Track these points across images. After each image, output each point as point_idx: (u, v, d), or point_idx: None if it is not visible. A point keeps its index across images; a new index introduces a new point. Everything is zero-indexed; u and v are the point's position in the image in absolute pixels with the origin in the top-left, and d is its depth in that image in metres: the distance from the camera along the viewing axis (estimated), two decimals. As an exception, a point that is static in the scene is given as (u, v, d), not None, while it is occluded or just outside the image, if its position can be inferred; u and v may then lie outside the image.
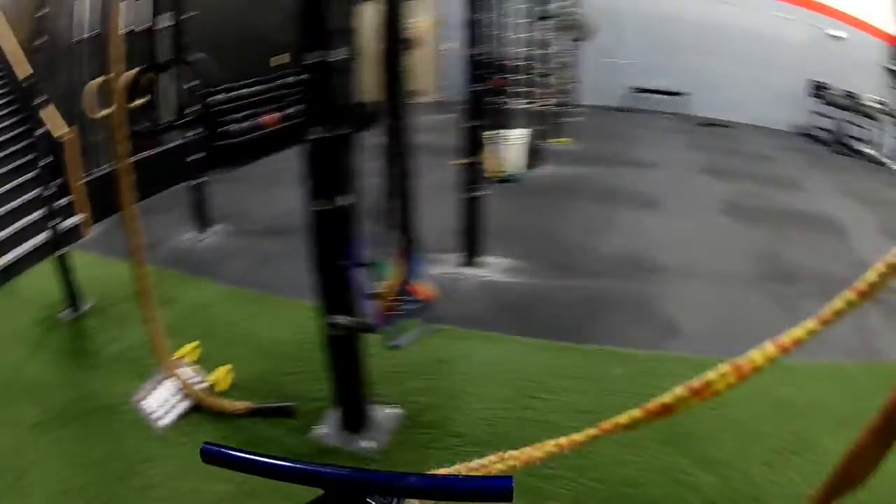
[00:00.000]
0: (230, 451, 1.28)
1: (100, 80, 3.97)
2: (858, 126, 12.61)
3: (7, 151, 5.78)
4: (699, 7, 13.62)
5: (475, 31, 5.16)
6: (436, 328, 3.77)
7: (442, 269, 5.20)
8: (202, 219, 5.87)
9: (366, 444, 3.12)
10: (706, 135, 12.46)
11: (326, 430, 3.17)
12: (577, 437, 2.16)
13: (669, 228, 6.89)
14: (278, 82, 8.00)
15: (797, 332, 1.97)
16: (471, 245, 5.40)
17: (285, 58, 7.94)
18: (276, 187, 6.70)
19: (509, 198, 7.19)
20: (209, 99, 6.98)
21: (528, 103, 9.33)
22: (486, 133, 5.71)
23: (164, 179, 6.45)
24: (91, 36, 6.30)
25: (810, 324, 1.94)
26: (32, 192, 5.26)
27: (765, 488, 3.13)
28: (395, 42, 3.55)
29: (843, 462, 2.39)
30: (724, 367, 2.00)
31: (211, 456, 1.29)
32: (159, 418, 3.17)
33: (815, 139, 13.22)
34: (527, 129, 8.32)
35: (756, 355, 2.00)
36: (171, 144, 6.48)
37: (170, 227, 5.74)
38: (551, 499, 2.96)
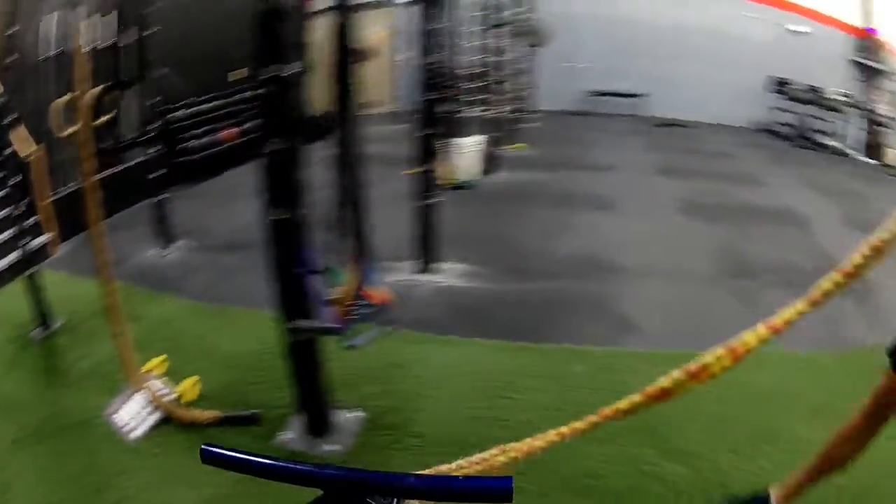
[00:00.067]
0: (230, 453, 1.29)
1: (66, 98, 4.03)
2: (822, 120, 12.64)
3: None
4: (657, 8, 13.63)
5: (429, 40, 5.29)
6: (391, 331, 3.92)
7: (397, 276, 5.30)
8: (165, 235, 5.96)
9: (330, 447, 3.26)
10: (664, 136, 12.50)
11: (291, 435, 3.32)
12: (578, 424, 2.22)
13: (626, 229, 7.00)
14: (237, 97, 8.07)
15: (787, 313, 2.05)
16: (426, 252, 5.53)
17: (244, 72, 8.01)
18: (236, 202, 6.79)
19: (465, 205, 7.28)
20: (170, 115, 7.08)
21: (482, 111, 9.40)
22: (440, 141, 5.86)
23: (127, 197, 6.53)
24: (57, 54, 6.36)
25: (799, 305, 2.03)
26: (1, 213, 5.31)
27: (733, 475, 3.19)
28: (346, 54, 3.71)
29: (830, 445, 2.63)
30: (720, 350, 2.07)
31: (211, 457, 1.30)
32: (131, 431, 3.28)
33: (777, 135, 13.26)
34: (482, 137, 8.41)
35: (749, 337, 2.06)
36: (134, 162, 6.55)
37: (134, 244, 5.83)
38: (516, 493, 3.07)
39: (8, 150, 4.75)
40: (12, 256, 4.45)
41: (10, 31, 6.27)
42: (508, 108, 10.03)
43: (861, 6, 12.76)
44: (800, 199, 8.39)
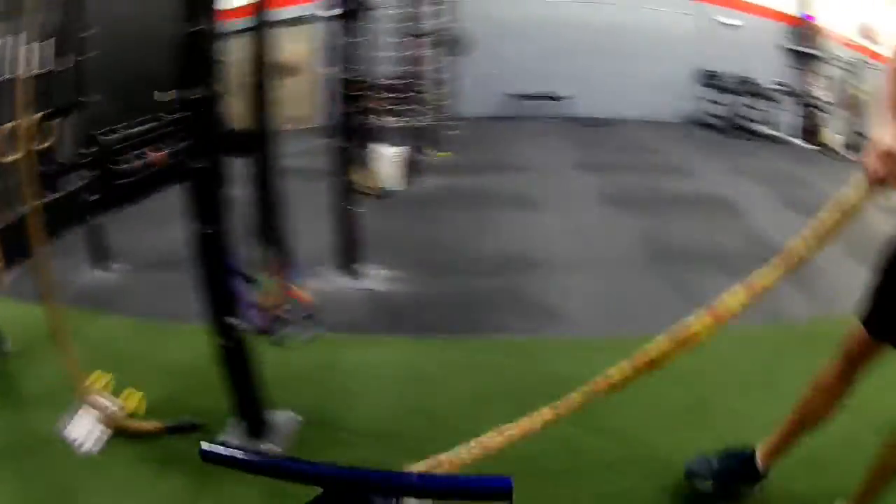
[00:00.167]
0: (231, 452, 1.34)
1: (8, 125, 4.18)
2: (754, 108, 12.93)
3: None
4: (580, 9, 13.77)
5: (347, 53, 5.56)
6: (318, 334, 4.14)
7: (323, 283, 5.51)
8: (103, 257, 6.14)
9: (267, 447, 3.50)
10: (589, 134, 12.70)
11: (231, 438, 3.54)
12: (575, 396, 2.31)
13: (550, 225, 7.29)
14: (165, 119, 8.22)
15: (764, 274, 2.12)
16: (351, 258, 5.79)
17: (172, 94, 8.12)
18: (169, 221, 6.77)
19: (388, 212, 7.55)
20: (103, 139, 7.22)
21: (404, 120, 9.74)
22: (361, 151, 6.09)
23: (65, 222, 6.65)
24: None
25: (775, 268, 2.11)
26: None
27: (663, 449, 3.35)
28: (263, 71, 3.95)
29: (802, 403, 2.75)
30: (703, 315, 2.14)
31: (211, 457, 1.33)
32: (84, 447, 3.50)
33: (708, 126, 13.47)
34: (403, 145, 8.66)
35: (728, 298, 2.14)
36: (71, 187, 6.67)
37: (73, 268, 5.97)
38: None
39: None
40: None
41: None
42: (430, 116, 10.23)
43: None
44: (731, 186, 8.70)
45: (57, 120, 4.59)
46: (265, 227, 4.39)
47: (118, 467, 3.41)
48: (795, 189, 8.52)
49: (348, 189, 5.72)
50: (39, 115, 3.95)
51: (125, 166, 7.60)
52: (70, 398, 3.71)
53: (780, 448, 2.88)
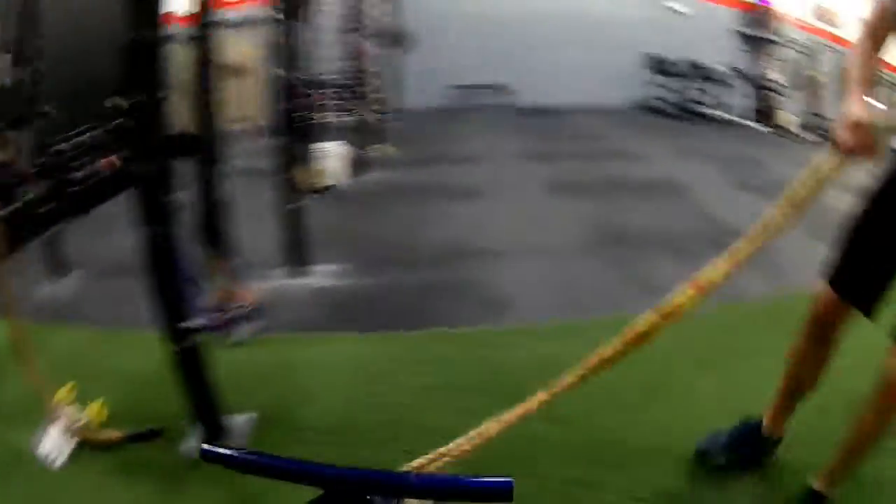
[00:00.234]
0: (230, 453, 1.37)
1: None
2: (705, 92, 13.21)
3: None
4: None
5: (290, 51, 5.70)
6: (267, 333, 4.23)
7: (270, 282, 5.61)
8: (60, 267, 6.22)
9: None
10: (536, 124, 12.77)
11: (193, 442, 3.66)
12: (570, 377, 2.30)
13: (496, 214, 7.45)
14: (115, 125, 8.22)
15: (745, 244, 2.19)
16: (297, 256, 5.92)
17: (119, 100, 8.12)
18: (121, 227, 6.85)
19: (334, 208, 7.65)
20: (56, 148, 7.23)
21: (349, 115, 9.86)
22: (304, 148, 6.19)
23: (22, 234, 6.66)
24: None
25: (754, 238, 2.18)
26: None
27: (619, 432, 3.41)
28: (207, 72, 4.04)
29: (788, 372, 2.83)
30: (686, 288, 2.18)
31: (212, 457, 1.35)
32: (54, 460, 3.60)
33: (658, 111, 13.61)
34: (346, 141, 8.82)
35: (709, 270, 2.21)
36: (27, 198, 6.69)
37: (32, 280, 6.00)
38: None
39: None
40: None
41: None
42: (373, 110, 10.33)
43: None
44: (682, 170, 8.84)
45: (13, 132, 4.63)
46: (210, 229, 4.49)
47: (88, 478, 3.50)
48: (748, 170, 8.71)
49: (293, 187, 5.85)
50: (-3, 126, 4.01)
51: (78, 174, 7.60)
52: (37, 413, 3.77)
53: (782, 414, 2.97)
